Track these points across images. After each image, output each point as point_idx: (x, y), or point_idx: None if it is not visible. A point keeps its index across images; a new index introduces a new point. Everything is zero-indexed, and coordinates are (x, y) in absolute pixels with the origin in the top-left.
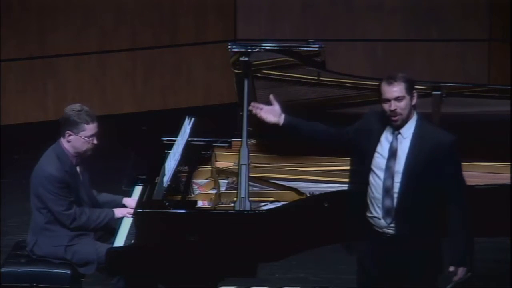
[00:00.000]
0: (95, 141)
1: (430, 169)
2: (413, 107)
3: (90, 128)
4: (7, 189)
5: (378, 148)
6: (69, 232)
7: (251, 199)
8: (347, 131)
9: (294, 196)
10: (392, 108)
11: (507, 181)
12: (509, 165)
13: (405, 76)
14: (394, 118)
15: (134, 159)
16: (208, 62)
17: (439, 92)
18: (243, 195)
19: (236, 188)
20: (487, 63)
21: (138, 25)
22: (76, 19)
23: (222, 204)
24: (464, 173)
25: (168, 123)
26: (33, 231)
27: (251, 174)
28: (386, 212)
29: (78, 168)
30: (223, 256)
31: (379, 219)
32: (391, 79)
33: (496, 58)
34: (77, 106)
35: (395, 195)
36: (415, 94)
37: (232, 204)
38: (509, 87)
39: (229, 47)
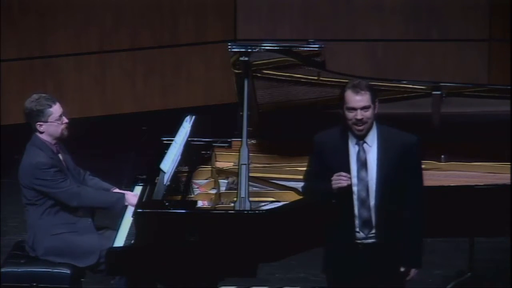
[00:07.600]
0: (65, 120)
1: (400, 173)
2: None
3: (56, 109)
4: (7, 189)
5: (350, 161)
6: (68, 219)
7: (251, 199)
8: (314, 172)
9: (294, 196)
10: (359, 117)
11: (507, 181)
12: (509, 165)
13: (369, 85)
14: (359, 128)
15: (134, 159)
16: (208, 62)
17: (439, 92)
18: (243, 195)
19: (236, 188)
20: (487, 63)
21: (138, 25)
22: (76, 19)
23: (222, 204)
24: (464, 173)
25: (168, 123)
26: (30, 226)
27: (251, 174)
28: (363, 223)
29: (60, 156)
30: (223, 256)
31: (358, 232)
32: (357, 88)
33: (496, 58)
34: (33, 96)
35: (372, 205)
36: (377, 103)
37: (232, 204)
38: (509, 87)
39: (229, 47)
